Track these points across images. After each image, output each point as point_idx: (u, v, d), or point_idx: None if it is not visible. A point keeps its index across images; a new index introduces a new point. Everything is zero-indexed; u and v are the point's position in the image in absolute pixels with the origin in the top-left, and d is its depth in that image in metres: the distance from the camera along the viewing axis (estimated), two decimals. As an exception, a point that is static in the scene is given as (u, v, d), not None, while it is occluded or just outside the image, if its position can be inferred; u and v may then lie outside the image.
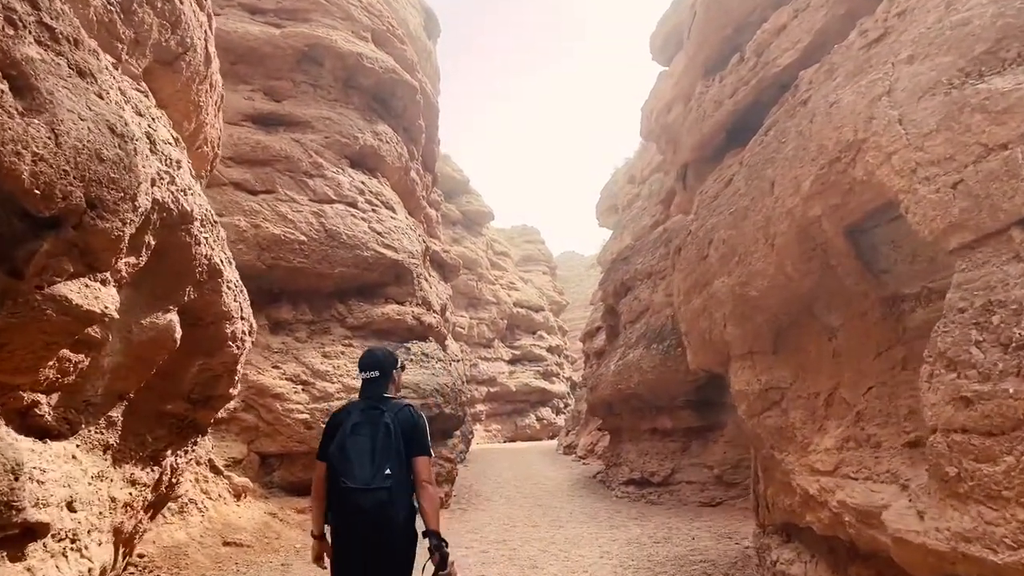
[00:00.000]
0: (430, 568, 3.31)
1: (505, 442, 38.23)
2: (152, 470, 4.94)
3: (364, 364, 3.79)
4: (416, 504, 3.48)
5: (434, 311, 14.16)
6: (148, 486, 4.90)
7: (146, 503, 5.02)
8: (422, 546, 3.44)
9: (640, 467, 13.59)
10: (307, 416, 10.31)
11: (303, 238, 11.23)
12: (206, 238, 4.62)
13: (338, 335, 11.75)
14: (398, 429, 3.47)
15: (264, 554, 7.92)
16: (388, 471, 3.33)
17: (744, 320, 5.37)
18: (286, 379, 10.47)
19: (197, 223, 4.43)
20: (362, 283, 12.34)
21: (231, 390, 5.59)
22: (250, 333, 5.78)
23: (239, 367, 5.51)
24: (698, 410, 12.71)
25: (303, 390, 10.55)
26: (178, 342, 4.44)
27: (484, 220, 45.17)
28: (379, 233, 12.46)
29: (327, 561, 3.73)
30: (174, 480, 5.47)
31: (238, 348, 5.21)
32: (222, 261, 4.86)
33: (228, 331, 5.01)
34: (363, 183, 12.81)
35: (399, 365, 3.96)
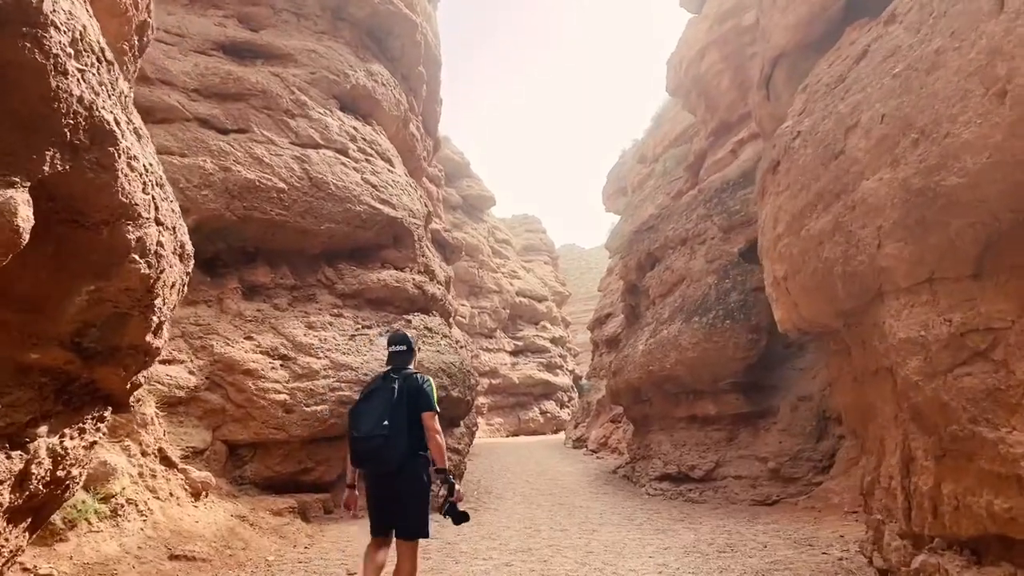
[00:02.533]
0: (442, 497, 4.26)
1: (508, 436, 36.44)
2: (8, 458, 3.09)
3: (393, 340, 4.84)
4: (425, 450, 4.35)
5: (438, 282, 12.32)
6: (2, 483, 3.05)
7: (5, 511, 3.18)
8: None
9: (676, 460, 11.76)
10: (286, 397, 8.47)
11: (282, 186, 9.38)
12: (82, 72, 2.78)
13: (325, 303, 9.91)
14: (404, 391, 4.38)
15: (224, 571, 6.08)
16: (386, 422, 4.22)
17: (924, 230, 3.53)
18: (261, 352, 8.63)
19: (59, 35, 2.59)
20: (354, 244, 10.50)
21: (150, 338, 3.74)
22: (183, 256, 3.92)
23: (161, 303, 3.66)
24: (747, 394, 10.90)
25: (282, 366, 8.71)
26: (22, 237, 2.59)
27: (485, 205, 43.39)
28: (374, 186, 10.61)
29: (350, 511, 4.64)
30: (64, 474, 3.62)
31: (151, 268, 3.36)
32: (119, 124, 3.01)
33: (132, 238, 3.17)
34: (355, 129, 10.95)
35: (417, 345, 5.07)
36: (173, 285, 3.85)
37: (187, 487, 7.04)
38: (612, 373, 14.84)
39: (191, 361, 8.13)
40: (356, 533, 8.22)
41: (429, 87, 15.27)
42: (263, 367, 8.45)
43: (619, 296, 27.24)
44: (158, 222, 3.39)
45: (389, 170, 11.34)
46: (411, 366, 4.72)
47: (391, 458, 4.20)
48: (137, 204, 3.18)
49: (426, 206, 13.19)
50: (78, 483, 3.88)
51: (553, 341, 45.16)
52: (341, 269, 10.30)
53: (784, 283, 5.44)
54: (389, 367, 4.67)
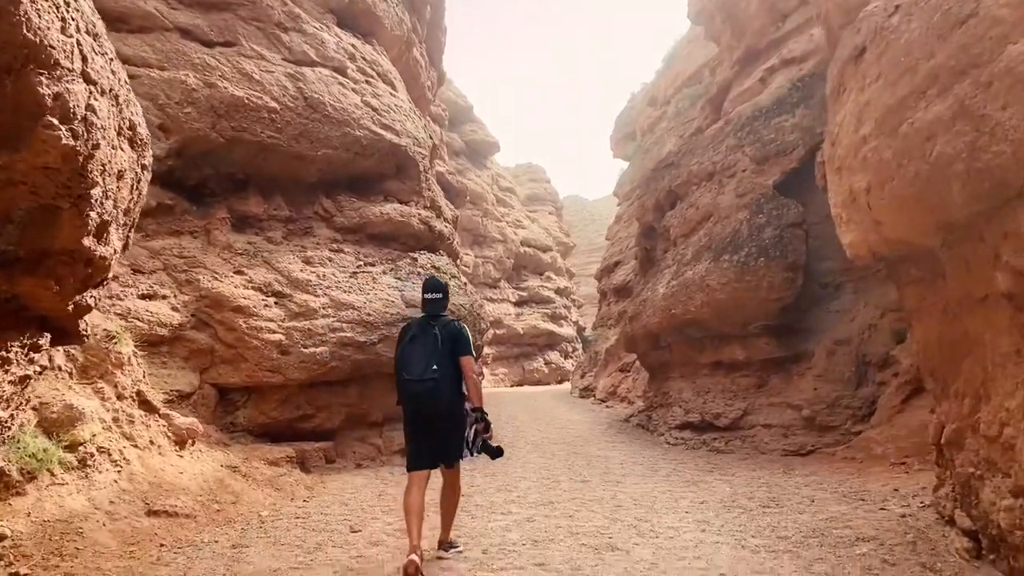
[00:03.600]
0: (475, 433, 4.89)
1: (512, 386, 36.02)
2: None
3: (428, 287, 5.11)
4: (464, 391, 4.90)
5: (445, 220, 11.45)
6: None
7: None
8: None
9: (699, 408, 11.05)
10: (282, 337, 7.68)
11: (274, 105, 8.43)
12: None
13: (324, 237, 9.05)
14: (445, 337, 4.80)
15: (210, 528, 5.37)
16: (435, 367, 4.70)
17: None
18: (253, 288, 7.81)
19: None
20: (354, 172, 9.59)
21: (90, 243, 2.89)
22: (134, 142, 3.05)
23: (101, 195, 2.80)
24: (779, 337, 10.11)
25: (276, 304, 7.90)
26: None
27: (489, 151, 42.22)
28: (375, 110, 9.65)
29: None
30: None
31: (78, 140, 2.49)
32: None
33: (46, 93, 2.30)
34: (353, 47, 9.95)
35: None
36: (121, 176, 2.99)
37: (170, 434, 6.29)
38: (628, 319, 14.06)
39: (175, 296, 7.31)
40: (361, 485, 7.53)
41: (433, 10, 14.15)
42: (255, 304, 7.64)
43: (633, 241, 26.41)
44: (88, 79, 2.52)
45: (391, 93, 10.36)
46: (445, 312, 5.11)
47: (441, 398, 4.72)
48: (52, 47, 2.31)
49: (431, 138, 12.23)
50: (8, 428, 3.08)
51: (558, 291, 44.54)
52: (340, 201, 9.41)
53: (866, 197, 4.57)
54: (425, 313, 5.04)
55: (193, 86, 7.89)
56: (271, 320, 7.67)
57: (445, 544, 4.79)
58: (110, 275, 3.49)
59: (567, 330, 42.86)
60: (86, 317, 3.64)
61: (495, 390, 30.70)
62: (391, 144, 9.65)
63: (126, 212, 3.29)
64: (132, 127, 3.11)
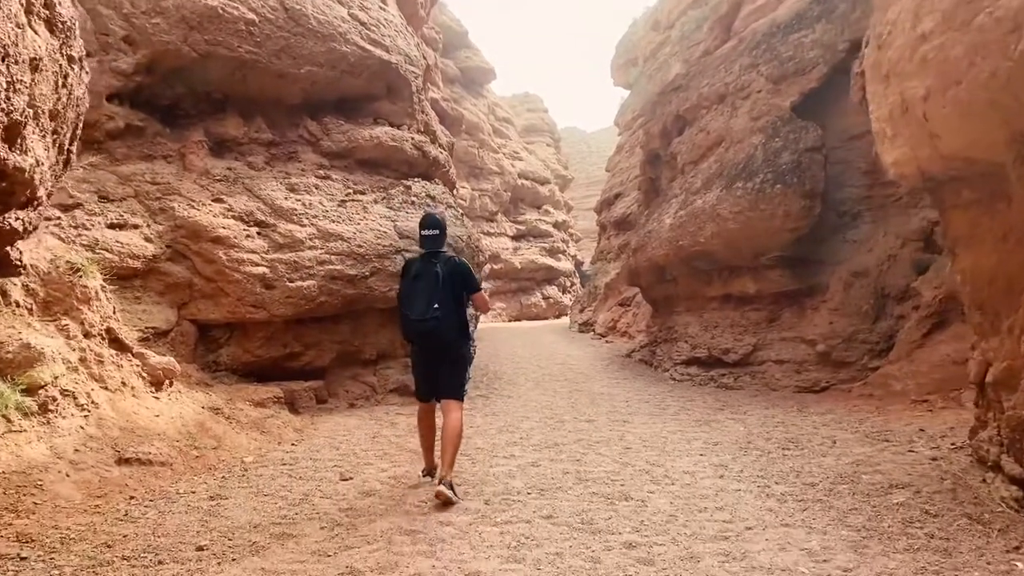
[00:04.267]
0: None
1: (510, 321, 35.70)
2: None
3: (425, 223, 5.09)
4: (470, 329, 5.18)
5: (440, 145, 10.76)
6: None
7: None
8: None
9: (706, 343, 10.63)
10: (265, 270, 7.14)
11: (252, 16, 7.67)
12: None
13: (310, 163, 8.41)
14: (446, 276, 4.85)
15: (188, 477, 4.94)
16: (436, 306, 4.76)
17: None
18: (233, 218, 7.22)
19: None
20: (342, 92, 8.88)
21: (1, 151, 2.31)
22: (53, 25, 2.45)
23: (4, 86, 2.21)
24: (793, 269, 9.61)
25: (259, 234, 7.33)
26: None
27: (486, 79, 40.81)
28: (363, 24, 8.87)
29: None
30: None
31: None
32: None
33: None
34: (339, -47, 9.07)
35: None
36: (37, 66, 2.39)
37: (145, 375, 5.82)
38: (632, 251, 13.51)
39: (147, 226, 6.73)
40: (354, 426, 7.12)
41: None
42: (236, 234, 7.07)
43: (634, 172, 25.64)
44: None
45: (381, 7, 9.55)
46: (444, 248, 5.13)
47: (442, 337, 4.84)
48: None
49: (424, 58, 11.44)
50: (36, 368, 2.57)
51: (556, 225, 43.82)
52: (327, 123, 8.73)
53: (922, 106, 3.97)
54: (424, 250, 5.07)
55: (160, -7, 7.13)
56: (254, 252, 7.12)
57: (445, 481, 4.53)
58: (42, 193, 2.92)
59: (565, 264, 42.33)
60: (21, 244, 3.08)
61: (493, 325, 30.40)
62: (381, 61, 8.91)
63: (53, 116, 2.71)
64: (49, 5, 2.50)
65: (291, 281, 7.23)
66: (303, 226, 7.62)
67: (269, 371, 7.37)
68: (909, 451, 5.77)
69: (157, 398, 5.81)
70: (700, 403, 8.74)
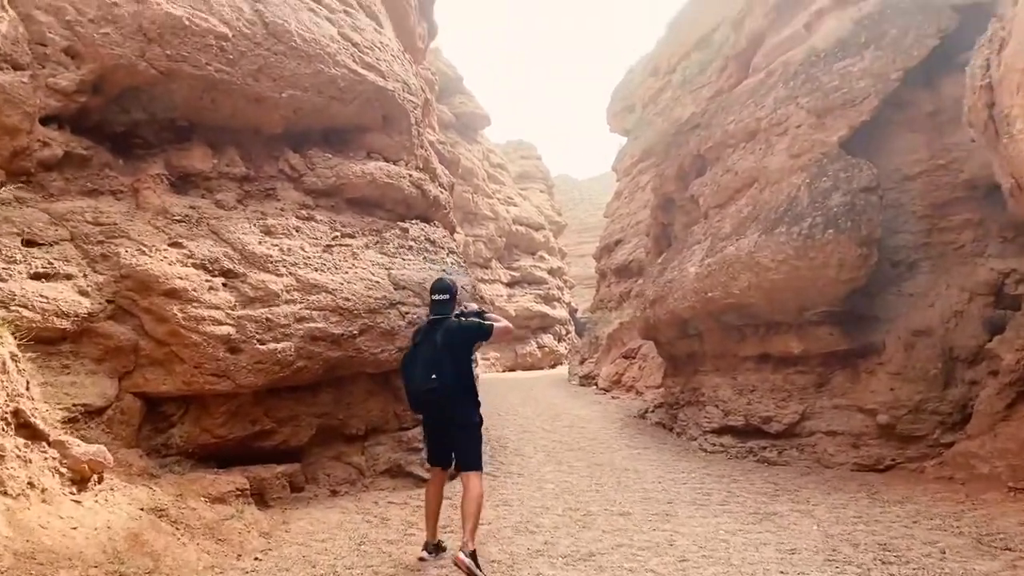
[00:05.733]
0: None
1: (504, 371, 34.32)
2: None
3: (435, 288, 5.11)
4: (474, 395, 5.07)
5: (440, 184, 9.59)
6: None
7: None
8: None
9: (742, 410, 9.33)
10: (231, 329, 5.83)
11: (224, 30, 6.51)
12: None
13: (290, 201, 7.18)
14: (445, 341, 4.76)
15: (101, 624, 3.57)
16: (434, 376, 4.65)
17: None
18: (194, 265, 5.94)
19: None
20: (330, 122, 7.72)
21: None
22: None
23: None
24: (843, 326, 8.39)
25: (225, 285, 6.05)
26: None
27: (480, 125, 40.23)
28: (355, 45, 7.76)
29: None
30: None
31: None
32: None
33: None
34: (329, -33, 8.02)
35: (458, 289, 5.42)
36: None
37: (64, 470, 4.46)
38: (649, 303, 12.26)
39: (84, 276, 5.43)
40: (336, 524, 5.75)
41: (424, -55, 12.21)
42: (196, 286, 5.77)
43: (639, 216, 24.62)
44: None
45: (376, 29, 8.46)
46: (453, 314, 5.06)
47: (444, 405, 4.76)
48: None
49: (424, 90, 10.36)
50: None
51: (551, 272, 42.84)
52: (311, 157, 7.52)
53: None
54: (431, 315, 5.08)
55: (114, -1, 5.98)
56: (217, 307, 5.81)
57: (466, 550, 4.37)
58: None
59: (560, 312, 41.17)
60: None
61: (488, 376, 28.97)
62: (375, 88, 7.76)
63: None
64: None
65: (262, 343, 5.92)
66: (279, 276, 6.35)
67: (233, 454, 6.00)
68: (1051, 568, 4.48)
69: (78, 502, 4.44)
70: (747, 485, 7.41)
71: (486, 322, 5.08)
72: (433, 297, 5.07)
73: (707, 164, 11.56)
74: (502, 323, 5.21)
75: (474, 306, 5.44)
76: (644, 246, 19.92)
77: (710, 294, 9.58)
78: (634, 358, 19.96)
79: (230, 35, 6.55)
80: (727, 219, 10.04)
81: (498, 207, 39.38)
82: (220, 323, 5.79)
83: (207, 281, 5.92)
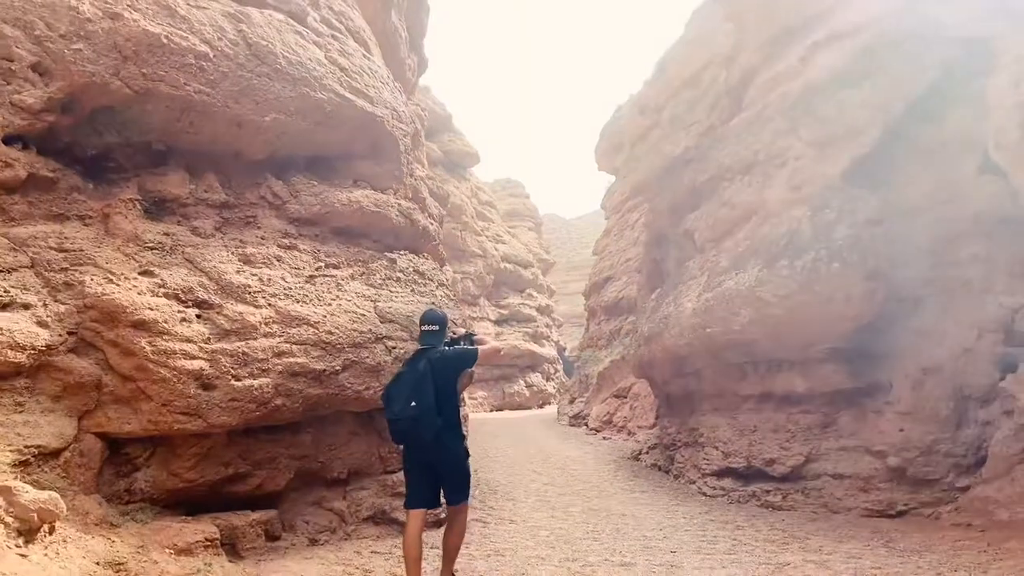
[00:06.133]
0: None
1: (491, 411, 33.71)
2: None
3: (425, 319, 5.02)
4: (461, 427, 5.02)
5: (431, 215, 9.28)
6: None
7: None
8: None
9: (743, 452, 8.93)
10: (204, 364, 5.40)
11: (205, 49, 6.21)
12: None
13: (271, 229, 6.81)
14: (427, 371, 4.63)
15: None
16: (413, 403, 4.51)
17: None
18: (166, 295, 5.54)
19: None
20: (315, 148, 7.41)
21: None
22: None
23: None
24: (849, 363, 8.07)
25: (199, 317, 5.63)
26: None
27: (469, 163, 40.28)
28: (343, 70, 7.49)
29: None
30: None
31: None
32: None
33: None
34: (317, -9, 7.79)
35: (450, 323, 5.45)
36: None
37: (10, 519, 4.00)
38: (644, 340, 11.91)
39: (44, 306, 5.01)
40: (319, 574, 5.27)
41: (415, -22, 12.09)
42: (167, 317, 5.36)
43: (629, 253, 24.44)
44: None
45: (365, 55, 8.21)
46: (441, 343, 4.99)
47: (421, 435, 4.55)
48: None
49: (415, 120, 10.11)
50: None
51: (539, 310, 42.51)
52: (295, 184, 7.18)
53: None
54: (420, 346, 4.99)
55: (88, 15, 5.63)
56: (189, 340, 5.39)
57: None
58: None
59: (549, 350, 40.72)
60: None
61: (475, 415, 28.36)
62: (364, 114, 7.47)
63: None
64: None
65: (238, 379, 5.49)
66: (258, 307, 5.94)
67: (203, 500, 5.52)
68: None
69: (24, 555, 3.97)
70: (753, 532, 6.99)
71: (471, 347, 5.03)
72: (423, 328, 4.99)
73: (702, 198, 11.32)
74: (488, 344, 5.19)
75: (462, 330, 5.51)
76: (635, 282, 19.69)
77: (709, 330, 9.24)
78: (626, 397, 19.54)
79: (211, 55, 6.25)
80: (725, 253, 9.76)
81: (487, 244, 39.19)
82: (192, 357, 5.36)
83: (179, 312, 5.51)
